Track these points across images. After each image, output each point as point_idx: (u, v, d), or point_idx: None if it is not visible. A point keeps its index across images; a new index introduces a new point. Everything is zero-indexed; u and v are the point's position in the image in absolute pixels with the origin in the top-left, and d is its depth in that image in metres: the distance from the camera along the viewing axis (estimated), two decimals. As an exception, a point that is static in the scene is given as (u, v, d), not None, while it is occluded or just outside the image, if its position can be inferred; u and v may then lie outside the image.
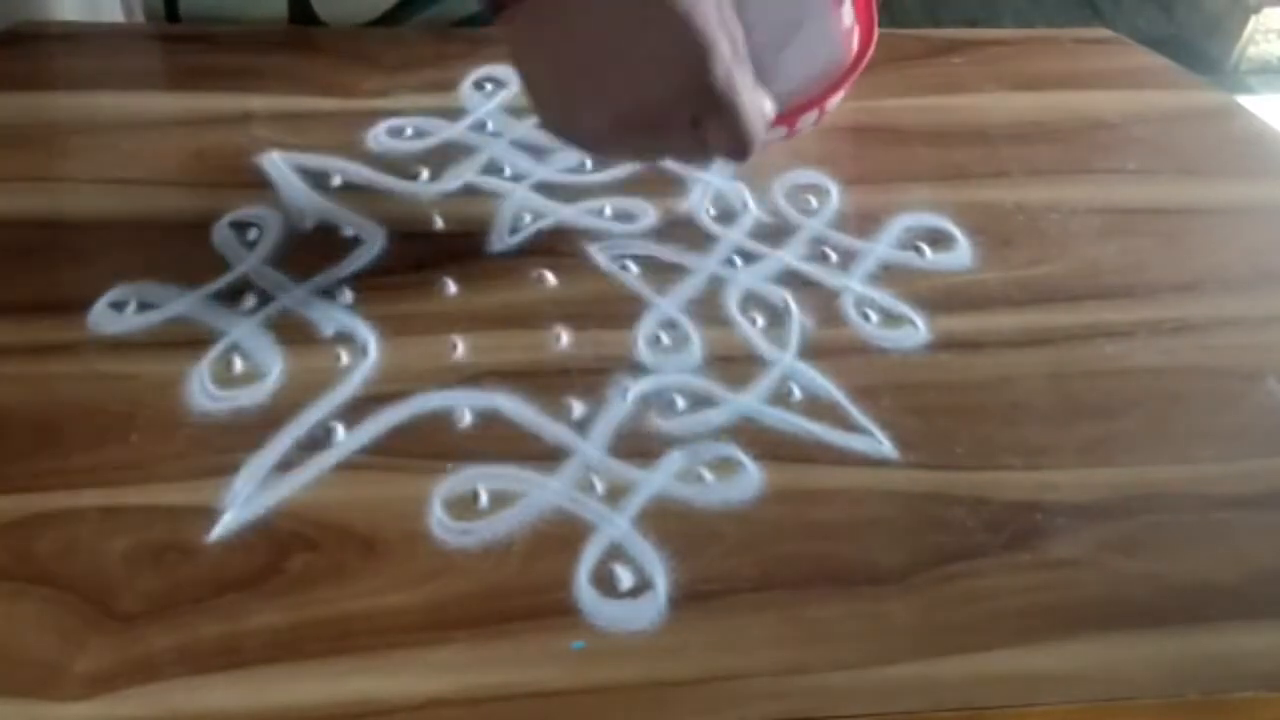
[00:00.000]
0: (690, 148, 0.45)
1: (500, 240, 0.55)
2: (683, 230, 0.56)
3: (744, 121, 0.43)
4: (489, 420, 0.47)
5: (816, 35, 0.57)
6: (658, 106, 0.43)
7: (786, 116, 0.56)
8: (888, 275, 0.55)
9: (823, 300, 0.53)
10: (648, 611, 0.41)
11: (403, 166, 0.59)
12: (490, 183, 0.58)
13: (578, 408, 0.47)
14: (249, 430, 0.45)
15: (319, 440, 0.45)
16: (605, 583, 0.41)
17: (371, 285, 0.52)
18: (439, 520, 0.43)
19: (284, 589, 0.40)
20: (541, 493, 0.44)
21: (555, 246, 0.55)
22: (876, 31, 0.57)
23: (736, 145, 0.44)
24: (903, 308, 0.53)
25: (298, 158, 0.59)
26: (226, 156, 0.58)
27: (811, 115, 0.57)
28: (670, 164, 0.59)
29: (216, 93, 0.62)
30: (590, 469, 0.45)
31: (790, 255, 0.55)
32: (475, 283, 0.53)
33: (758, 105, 0.44)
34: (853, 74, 0.56)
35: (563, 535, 0.43)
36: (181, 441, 0.45)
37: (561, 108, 0.44)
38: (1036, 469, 0.46)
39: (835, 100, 0.57)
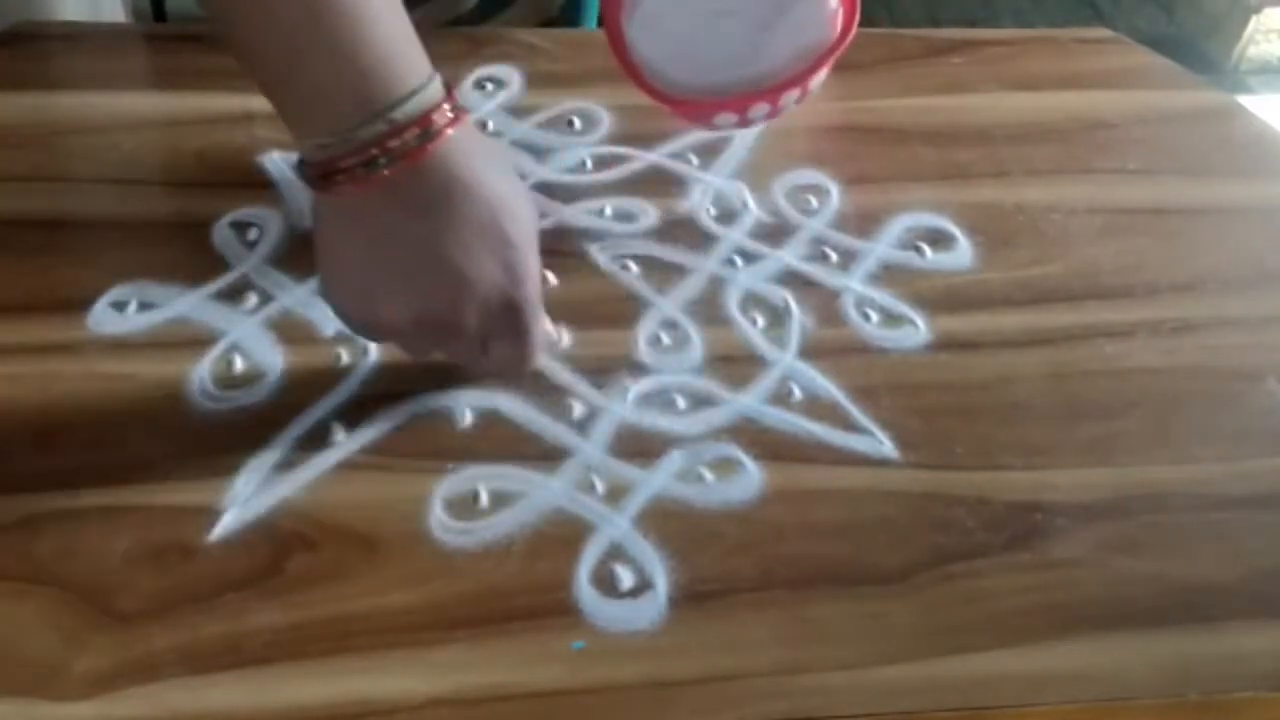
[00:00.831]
0: (470, 356, 0.46)
1: (500, 240, 0.55)
2: (683, 230, 0.56)
3: (530, 349, 0.45)
4: (489, 420, 0.47)
5: (804, 16, 0.57)
6: (460, 317, 0.43)
7: (769, 94, 0.56)
8: (888, 275, 0.55)
9: (823, 300, 0.53)
10: (648, 611, 0.41)
11: (403, 166, 0.59)
12: (490, 183, 0.58)
13: (578, 408, 0.47)
14: (249, 430, 0.45)
15: (319, 440, 0.45)
16: (605, 583, 0.41)
17: (372, 285, 0.52)
18: (439, 520, 0.43)
19: (284, 589, 0.40)
20: (542, 493, 0.44)
21: (556, 246, 0.55)
22: (859, 12, 0.57)
23: (516, 368, 0.46)
24: (903, 308, 0.53)
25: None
26: (227, 156, 0.58)
27: (794, 94, 0.57)
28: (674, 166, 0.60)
29: (217, 93, 0.62)
30: (590, 469, 0.45)
31: (790, 255, 0.55)
32: (475, 283, 0.53)
33: (545, 333, 0.47)
34: (834, 53, 0.57)
35: (563, 535, 0.43)
36: (182, 441, 0.45)
37: (360, 295, 0.43)
38: (1037, 469, 0.46)
39: (817, 79, 0.57)
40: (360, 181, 0.40)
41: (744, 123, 0.58)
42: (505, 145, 0.59)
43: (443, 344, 0.46)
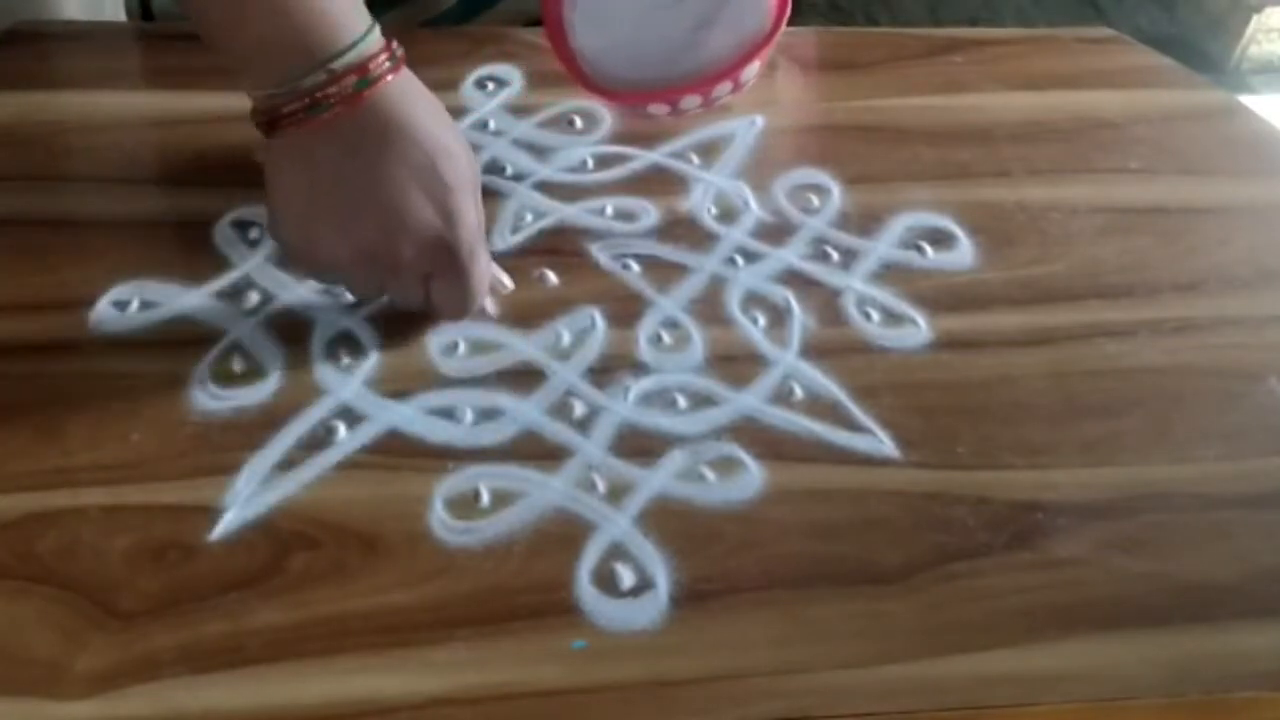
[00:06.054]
0: (413, 295, 0.48)
1: (502, 239, 0.55)
2: (684, 229, 0.56)
3: (468, 290, 0.48)
4: (490, 419, 0.46)
5: (743, 8, 0.59)
6: (395, 253, 0.46)
7: (700, 86, 0.58)
8: (889, 274, 0.55)
9: (824, 299, 0.53)
10: (649, 611, 0.41)
11: (404, 166, 0.59)
12: (492, 182, 0.58)
13: (579, 407, 0.47)
14: (250, 429, 0.45)
15: (320, 439, 0.45)
16: (606, 582, 0.41)
17: (373, 284, 0.52)
18: (440, 519, 0.43)
19: (285, 588, 0.40)
20: (543, 492, 0.44)
21: (557, 246, 0.55)
22: (790, 5, 0.59)
23: (456, 308, 0.48)
24: (904, 307, 0.53)
25: (299, 157, 0.58)
26: (229, 155, 0.58)
27: (726, 86, 0.58)
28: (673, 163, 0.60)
29: (218, 92, 0.62)
30: (591, 468, 0.45)
31: (792, 254, 0.55)
32: (476, 282, 0.53)
33: (486, 275, 0.49)
34: (765, 46, 0.58)
35: (564, 534, 0.43)
36: (183, 440, 0.45)
37: (302, 231, 0.46)
38: (1038, 468, 0.46)
39: (748, 71, 0.58)
40: (304, 124, 0.44)
41: (676, 113, 0.60)
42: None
43: (382, 281, 0.48)
